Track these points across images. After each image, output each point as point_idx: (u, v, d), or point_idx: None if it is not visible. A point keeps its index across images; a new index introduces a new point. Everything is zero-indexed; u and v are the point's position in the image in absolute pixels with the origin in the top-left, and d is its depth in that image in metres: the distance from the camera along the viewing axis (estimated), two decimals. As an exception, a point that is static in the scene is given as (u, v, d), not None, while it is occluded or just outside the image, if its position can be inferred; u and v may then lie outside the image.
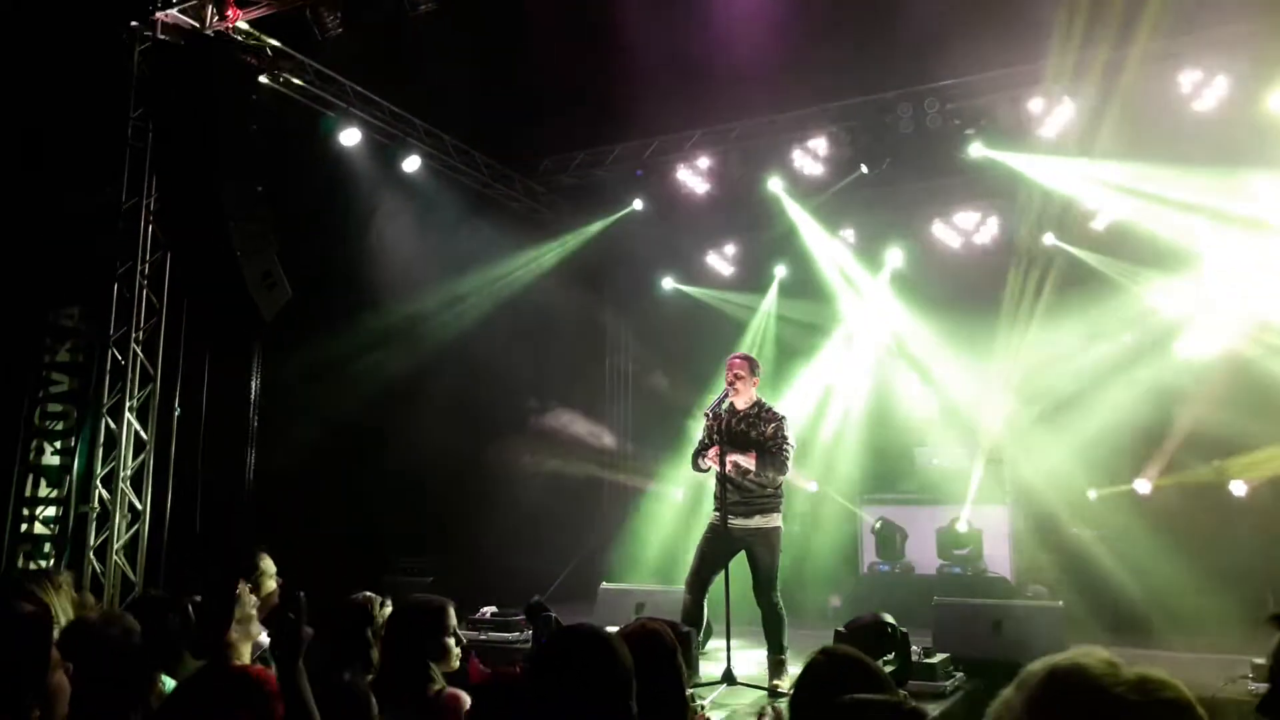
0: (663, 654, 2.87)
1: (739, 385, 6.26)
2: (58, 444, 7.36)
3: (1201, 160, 8.71)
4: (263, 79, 7.89)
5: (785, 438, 6.22)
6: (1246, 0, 7.93)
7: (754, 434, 6.22)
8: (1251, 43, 8.07)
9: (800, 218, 10.66)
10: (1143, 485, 9.50)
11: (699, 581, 6.17)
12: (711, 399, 6.49)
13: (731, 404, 6.29)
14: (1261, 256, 9.23)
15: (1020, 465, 9.97)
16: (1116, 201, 9.74)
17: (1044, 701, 1.20)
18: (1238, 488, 9.19)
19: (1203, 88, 8.27)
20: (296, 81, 8.31)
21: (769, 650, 6.10)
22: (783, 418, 6.29)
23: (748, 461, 6.10)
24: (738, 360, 6.38)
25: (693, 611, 6.16)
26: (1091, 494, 9.70)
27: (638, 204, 10.83)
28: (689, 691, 2.99)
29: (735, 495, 6.13)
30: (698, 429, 6.56)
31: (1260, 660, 5.56)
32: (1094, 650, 1.24)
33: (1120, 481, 9.60)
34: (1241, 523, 8.90)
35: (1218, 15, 8.07)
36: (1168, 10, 7.80)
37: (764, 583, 6.12)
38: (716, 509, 6.18)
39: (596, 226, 11.07)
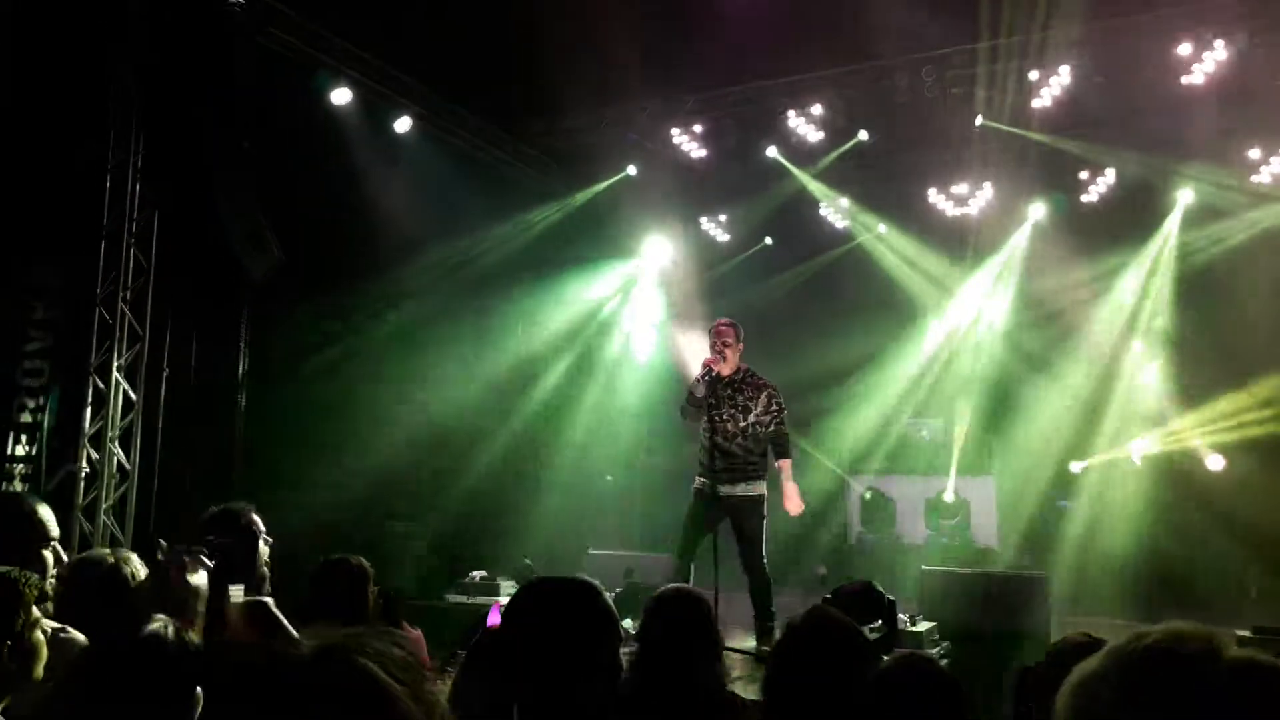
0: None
1: (727, 353, 6.20)
2: (35, 401, 7.31)
3: (1206, 133, 8.71)
4: (250, 34, 7.75)
5: (780, 408, 6.24)
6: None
7: (742, 400, 6.19)
8: (1249, 12, 8.01)
9: (801, 182, 10.59)
10: (1135, 454, 9.58)
11: (689, 548, 6.19)
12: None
13: (717, 371, 6.21)
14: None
15: (1006, 436, 10.03)
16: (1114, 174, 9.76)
17: (1143, 681, 1.11)
18: (1214, 462, 9.27)
19: (1200, 58, 8.21)
20: (287, 38, 8.16)
21: (757, 616, 6.13)
22: (774, 387, 6.29)
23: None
24: (724, 326, 6.30)
25: (682, 578, 6.17)
26: (1075, 466, 9.77)
27: (631, 169, 10.73)
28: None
29: (723, 462, 6.12)
30: (690, 391, 6.42)
31: (1244, 632, 5.63)
32: (1188, 624, 1.17)
33: (1107, 451, 9.67)
34: (1219, 497, 8.97)
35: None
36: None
37: (752, 550, 6.13)
38: (703, 475, 6.17)
39: (589, 192, 10.98)
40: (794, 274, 11.44)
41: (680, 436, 7.61)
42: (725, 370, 6.23)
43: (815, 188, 10.62)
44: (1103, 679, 1.13)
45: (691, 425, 6.41)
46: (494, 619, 4.23)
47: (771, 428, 6.21)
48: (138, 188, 7.45)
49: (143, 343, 7.39)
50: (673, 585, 3.27)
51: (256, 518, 4.40)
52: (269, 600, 2.91)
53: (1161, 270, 9.98)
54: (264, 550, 3.23)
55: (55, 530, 3.04)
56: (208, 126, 6.96)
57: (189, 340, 7.52)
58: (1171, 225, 9.94)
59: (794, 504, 6.15)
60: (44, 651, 2.29)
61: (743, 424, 6.18)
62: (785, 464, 6.19)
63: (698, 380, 6.16)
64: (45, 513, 3.02)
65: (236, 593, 2.97)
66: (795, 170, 10.37)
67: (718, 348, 6.21)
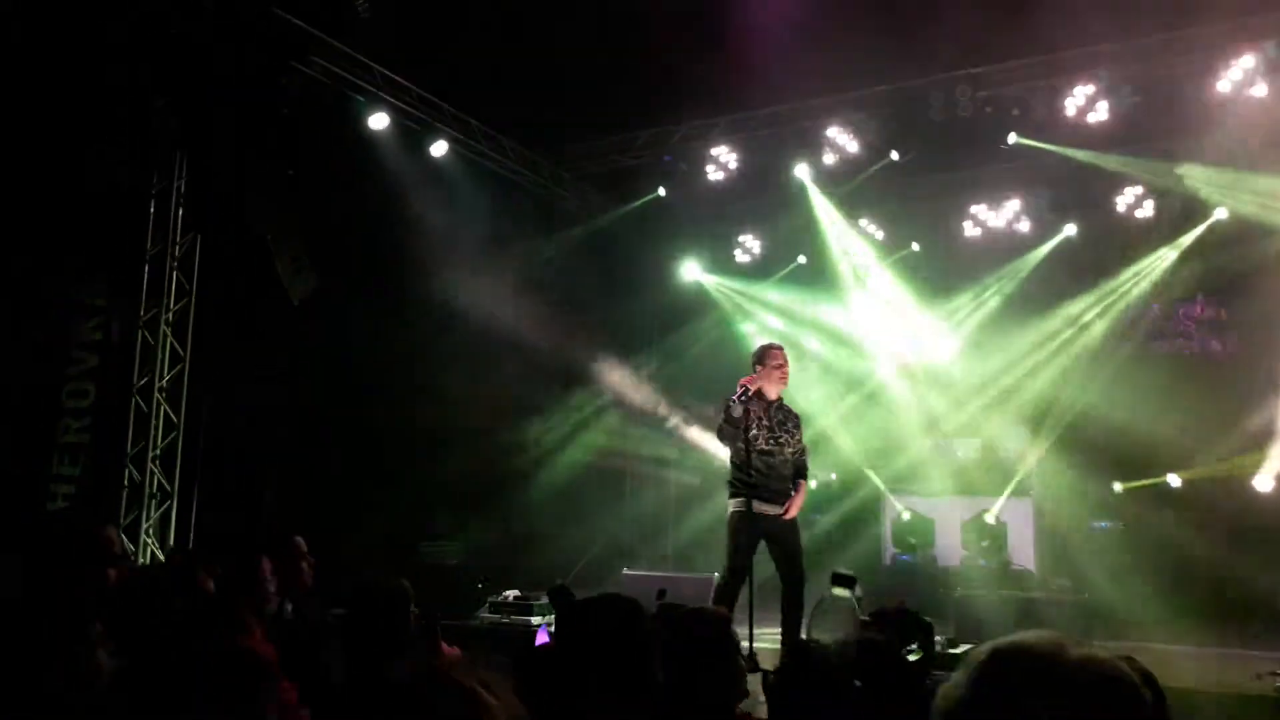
0: (715, 633, 2.88)
1: (787, 376, 6.40)
2: (80, 422, 7.45)
3: (1237, 151, 8.62)
4: (292, 63, 7.91)
5: (803, 441, 6.51)
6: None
7: (791, 425, 6.39)
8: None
9: (823, 208, 10.59)
10: (1174, 479, 9.42)
11: (743, 567, 6.20)
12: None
13: (762, 394, 6.29)
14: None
15: (1046, 458, 9.91)
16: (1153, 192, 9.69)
17: (989, 679, 1.22)
18: (1262, 482, 9.10)
19: (1245, 76, 8.13)
20: (325, 64, 8.32)
21: (787, 633, 6.11)
22: (799, 418, 6.55)
23: (803, 495, 6.35)
24: (782, 352, 6.46)
25: (734, 597, 6.15)
26: (1117, 486, 9.63)
27: (662, 190, 10.79)
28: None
29: (773, 483, 6.26)
30: (727, 410, 6.45)
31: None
32: (1041, 632, 1.27)
33: (1148, 475, 9.53)
34: (1266, 518, 8.79)
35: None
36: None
37: (795, 564, 6.24)
38: (746, 495, 6.18)
39: (621, 213, 11.05)
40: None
41: (709, 456, 7.63)
42: (772, 395, 6.36)
43: (846, 208, 10.62)
44: (955, 684, 1.25)
45: (728, 445, 6.42)
46: (542, 639, 4.25)
47: (804, 458, 6.47)
48: (180, 212, 7.62)
49: (184, 364, 7.54)
50: (692, 607, 3.25)
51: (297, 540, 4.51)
52: None
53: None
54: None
55: (119, 549, 3.11)
56: (250, 153, 7.10)
57: (231, 362, 7.65)
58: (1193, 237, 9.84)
59: (792, 511, 6.27)
60: (106, 670, 2.34)
61: (790, 449, 6.36)
62: (803, 485, 6.40)
63: (735, 401, 6.18)
64: (110, 533, 3.09)
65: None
66: (825, 190, 10.39)
67: (783, 371, 6.35)
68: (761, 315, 11.76)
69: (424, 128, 9.29)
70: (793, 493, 6.29)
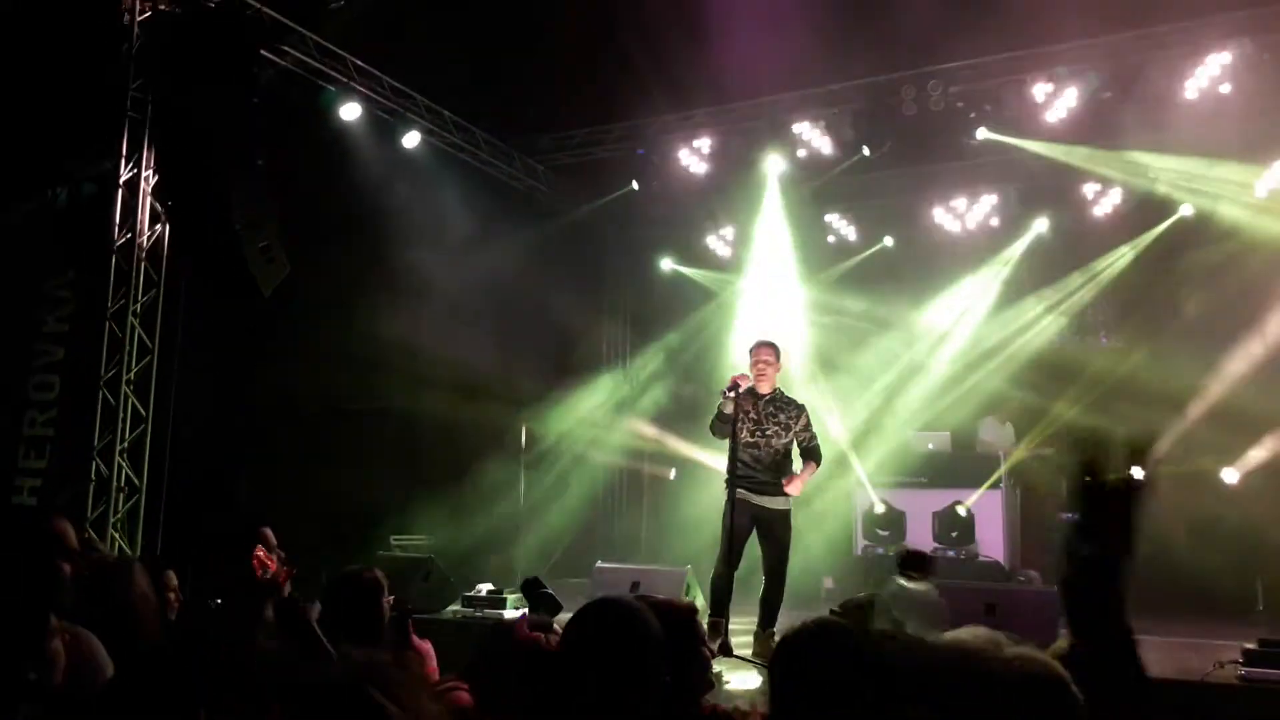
0: (678, 626, 2.88)
1: (768, 372, 6.42)
2: (45, 414, 7.35)
3: (1206, 147, 8.74)
4: (263, 52, 7.84)
5: (813, 428, 6.55)
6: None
7: (784, 418, 6.42)
8: (1256, 26, 8.04)
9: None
10: (1136, 471, 9.53)
11: (734, 557, 6.24)
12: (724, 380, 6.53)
13: (754, 390, 6.38)
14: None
15: (1015, 450, 10.02)
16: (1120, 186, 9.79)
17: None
18: (1229, 475, 9.24)
19: (1209, 72, 8.23)
20: (297, 55, 8.24)
21: (763, 624, 6.17)
22: (804, 406, 6.58)
23: (810, 473, 6.41)
24: (766, 348, 6.50)
25: (728, 588, 6.19)
26: (1088, 479, 9.72)
27: (635, 184, 10.79)
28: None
29: (765, 476, 6.32)
30: (710, 405, 6.58)
31: (1250, 645, 5.61)
32: (978, 629, 1.32)
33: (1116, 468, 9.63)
34: (1232, 510, 8.94)
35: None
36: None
37: (782, 558, 6.34)
38: (739, 487, 6.24)
39: (595, 205, 11.05)
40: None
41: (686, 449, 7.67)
42: (764, 389, 6.42)
43: (820, 201, 10.67)
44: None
45: (720, 440, 6.52)
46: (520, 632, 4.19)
47: (811, 444, 6.51)
48: (149, 202, 7.52)
49: (153, 356, 7.45)
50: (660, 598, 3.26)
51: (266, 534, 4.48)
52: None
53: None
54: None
55: (73, 543, 3.07)
56: (220, 142, 7.02)
57: (199, 354, 7.57)
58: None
59: (795, 488, 6.33)
60: (62, 660, 2.32)
61: (785, 440, 6.42)
62: (813, 467, 6.47)
63: (725, 397, 6.28)
64: (63, 526, 3.04)
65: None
66: (796, 185, 10.44)
67: (759, 368, 6.37)
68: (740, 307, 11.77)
69: (396, 118, 9.24)
70: (793, 478, 6.34)
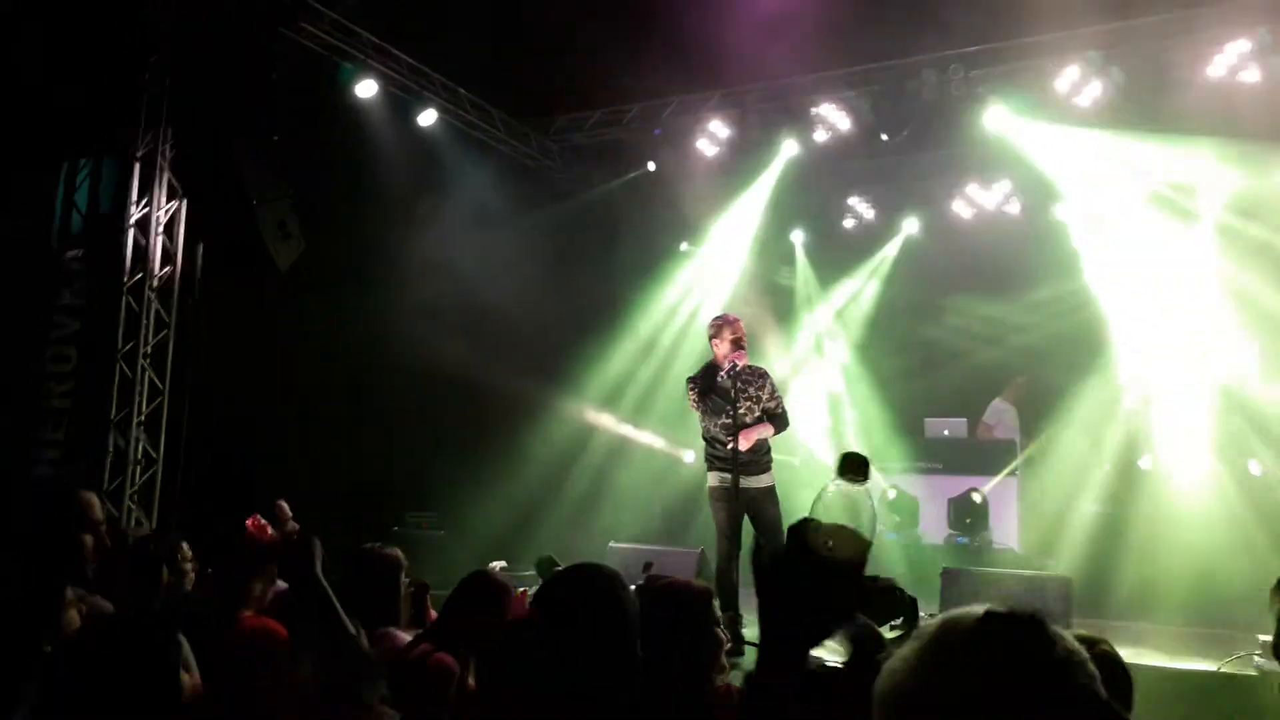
0: (691, 606, 2.86)
1: (746, 346, 6.25)
2: (63, 386, 7.38)
3: (1228, 134, 8.63)
4: (281, 29, 7.81)
5: (779, 393, 6.43)
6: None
7: (754, 390, 6.27)
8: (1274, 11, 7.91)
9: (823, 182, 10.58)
10: (1146, 462, 9.50)
11: (736, 545, 6.18)
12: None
13: (714, 363, 6.24)
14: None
15: (1031, 438, 9.98)
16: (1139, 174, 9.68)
17: (936, 651, 1.20)
18: (1254, 467, 9.16)
19: (1228, 60, 8.12)
20: (314, 31, 8.21)
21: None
22: (767, 373, 6.46)
23: (765, 430, 6.19)
24: (739, 324, 6.31)
25: (735, 578, 6.11)
26: (1106, 467, 9.67)
27: (652, 165, 10.73)
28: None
29: (746, 455, 6.15)
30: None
31: (1265, 637, 5.58)
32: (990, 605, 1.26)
33: (1132, 459, 9.59)
34: (1247, 502, 8.86)
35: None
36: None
37: (775, 538, 6.12)
38: (722, 470, 6.16)
39: (611, 186, 11.00)
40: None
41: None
42: (726, 362, 6.22)
43: (839, 184, 10.61)
44: (904, 657, 1.22)
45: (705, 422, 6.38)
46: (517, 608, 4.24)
47: (778, 410, 6.36)
48: (166, 177, 7.52)
49: (169, 329, 7.47)
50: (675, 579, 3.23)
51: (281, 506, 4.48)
52: None
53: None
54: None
55: (99, 514, 3.08)
56: (237, 118, 7.01)
57: (216, 327, 7.59)
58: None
59: (744, 442, 6.07)
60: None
61: (758, 413, 6.28)
62: (768, 426, 6.23)
63: (722, 376, 6.14)
64: (87, 499, 3.05)
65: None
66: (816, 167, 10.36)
67: (741, 345, 6.21)
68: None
69: (412, 96, 9.20)
70: (770, 463, 6.22)
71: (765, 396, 6.32)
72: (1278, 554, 8.42)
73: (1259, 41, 7.94)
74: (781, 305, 11.90)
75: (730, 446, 6.06)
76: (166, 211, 7.56)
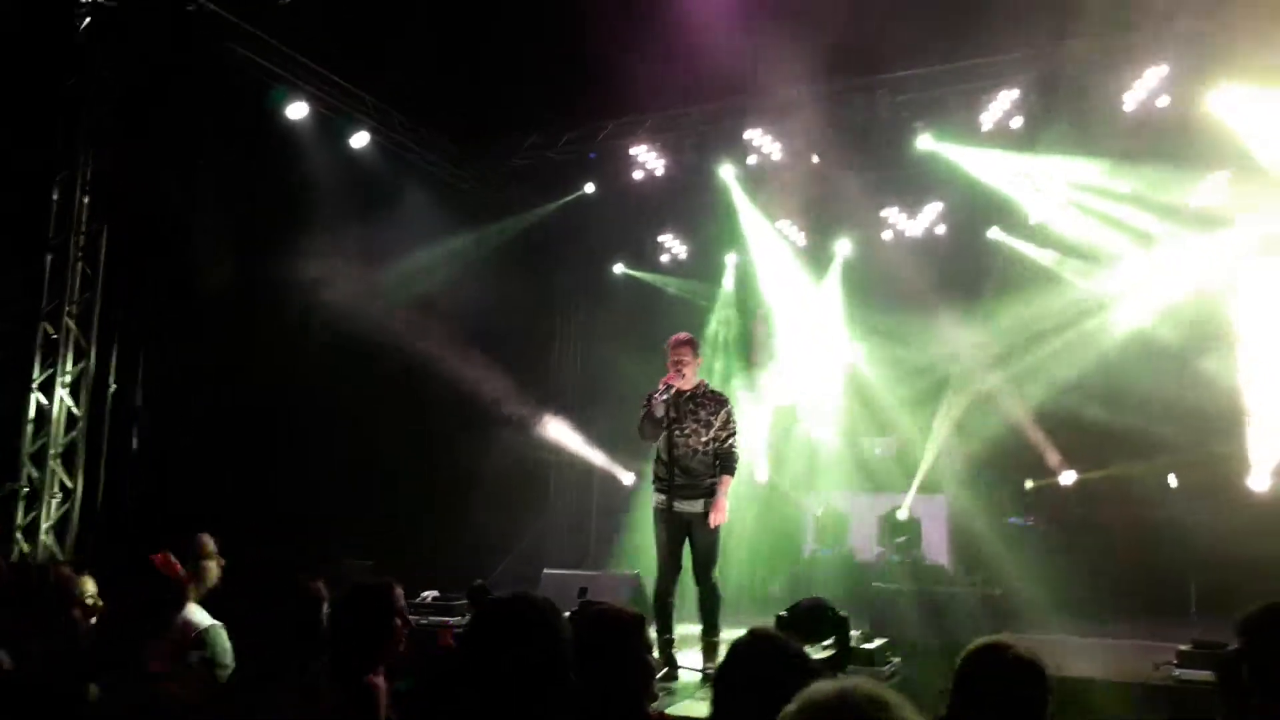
0: (623, 633, 2.86)
1: (686, 370, 6.18)
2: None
3: (1144, 157, 8.94)
4: (210, 48, 7.70)
5: (734, 425, 6.27)
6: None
7: (704, 414, 6.19)
8: (1198, 41, 8.23)
9: (746, 208, 10.69)
10: (1068, 477, 9.76)
11: (674, 568, 6.16)
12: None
13: (676, 386, 6.19)
14: (1197, 251, 9.49)
15: (958, 455, 10.16)
16: (1060, 196, 9.96)
17: None
18: (1171, 480, 9.45)
19: (1149, 86, 8.43)
20: (245, 52, 8.09)
21: (704, 632, 6.11)
22: (728, 402, 6.32)
23: (725, 487, 6.11)
24: (681, 343, 6.25)
25: (671, 601, 6.11)
26: (1028, 484, 9.92)
27: (590, 187, 10.76)
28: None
29: (684, 479, 6.11)
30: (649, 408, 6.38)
31: (1184, 647, 5.75)
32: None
33: (1052, 474, 9.84)
34: (1166, 515, 9.12)
35: (1166, 11, 8.16)
36: (1119, 7, 7.91)
37: (708, 565, 6.13)
38: (662, 492, 6.15)
39: (548, 209, 11.00)
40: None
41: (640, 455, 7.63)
42: (686, 386, 6.23)
43: (770, 207, 10.73)
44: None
45: (649, 444, 6.38)
46: (445, 640, 4.20)
47: (727, 444, 6.23)
48: (86, 200, 7.32)
49: (89, 359, 7.26)
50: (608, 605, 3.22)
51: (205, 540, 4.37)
52: None
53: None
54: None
55: None
56: (163, 139, 6.88)
57: (137, 356, 7.39)
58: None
59: (719, 516, 6.07)
60: None
61: (704, 439, 6.18)
62: (727, 480, 6.16)
63: (656, 399, 6.13)
64: None
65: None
66: (748, 191, 10.49)
67: (676, 365, 6.21)
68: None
69: (345, 118, 9.12)
70: (716, 487, 6.10)
71: (718, 424, 6.20)
72: (1193, 566, 8.71)
73: (1173, 69, 8.26)
74: (716, 325, 11.98)
75: (671, 470, 6.07)
76: (86, 235, 7.35)
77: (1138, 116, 8.55)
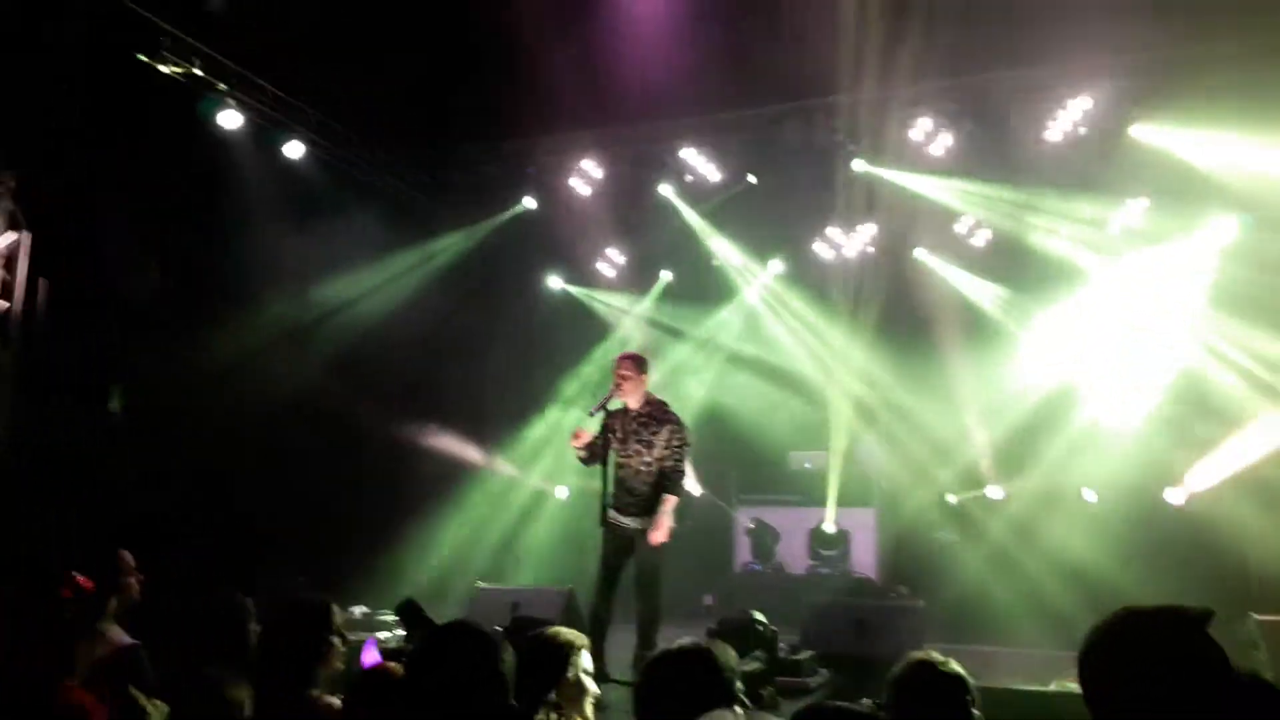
0: (557, 657, 2.91)
1: (625, 386, 6.23)
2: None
3: (1066, 184, 9.27)
4: (141, 56, 7.57)
5: (682, 443, 6.32)
6: (1119, 33, 8.33)
7: (648, 434, 6.24)
8: (1119, 74, 8.57)
9: (691, 222, 10.82)
10: (995, 491, 10.02)
11: (610, 584, 6.21)
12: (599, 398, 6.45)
13: (625, 404, 6.29)
14: (1117, 276, 9.84)
15: (885, 469, 10.37)
16: (988, 220, 10.25)
17: None
18: (1088, 494, 9.76)
19: (1071, 116, 8.74)
20: (175, 59, 7.96)
21: (640, 645, 6.17)
22: (679, 421, 6.36)
23: (669, 506, 6.17)
24: (624, 360, 6.33)
25: (604, 615, 6.20)
26: (950, 498, 10.16)
27: (529, 201, 10.78)
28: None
29: (628, 497, 6.24)
30: (588, 425, 6.40)
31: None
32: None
33: (977, 486, 10.09)
34: (1090, 526, 9.41)
35: (1089, 46, 8.48)
36: (1045, 39, 8.21)
37: (651, 582, 6.21)
38: (608, 508, 6.20)
39: (486, 224, 10.99)
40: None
41: (580, 472, 7.62)
42: (634, 404, 6.28)
43: (705, 227, 10.86)
44: None
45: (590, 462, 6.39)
46: (368, 655, 4.17)
47: (669, 462, 6.27)
48: (6, 207, 7.12)
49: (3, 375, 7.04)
50: (540, 627, 3.27)
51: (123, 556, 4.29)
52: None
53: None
54: None
55: None
56: (89, 149, 6.74)
57: (61, 371, 7.19)
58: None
59: (660, 535, 6.14)
60: None
61: (647, 459, 6.25)
62: (670, 500, 6.21)
63: (583, 435, 6.18)
64: None
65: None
66: (686, 210, 10.61)
67: (617, 381, 6.25)
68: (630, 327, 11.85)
69: (280, 129, 9.01)
70: (658, 506, 6.16)
71: (661, 444, 6.24)
72: (1113, 577, 8.99)
73: (1096, 100, 8.59)
74: (651, 339, 12.04)
75: (616, 488, 6.18)
76: (6, 244, 7.15)
77: (1058, 147, 8.88)
